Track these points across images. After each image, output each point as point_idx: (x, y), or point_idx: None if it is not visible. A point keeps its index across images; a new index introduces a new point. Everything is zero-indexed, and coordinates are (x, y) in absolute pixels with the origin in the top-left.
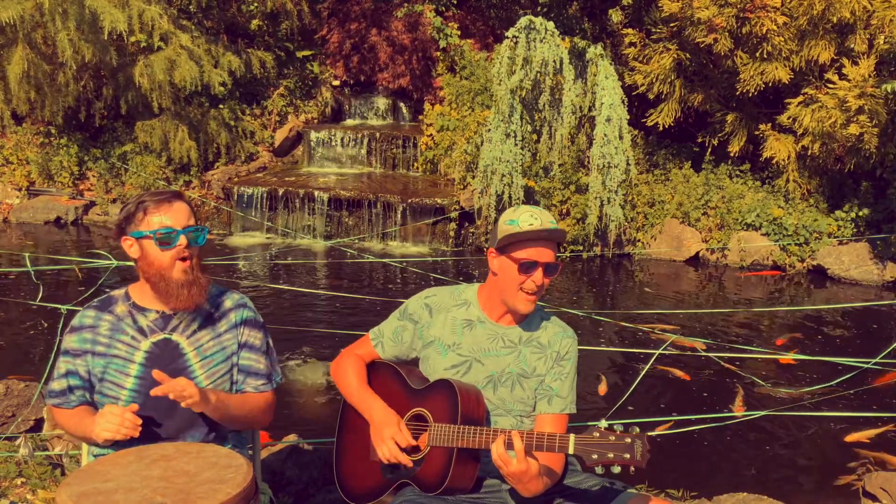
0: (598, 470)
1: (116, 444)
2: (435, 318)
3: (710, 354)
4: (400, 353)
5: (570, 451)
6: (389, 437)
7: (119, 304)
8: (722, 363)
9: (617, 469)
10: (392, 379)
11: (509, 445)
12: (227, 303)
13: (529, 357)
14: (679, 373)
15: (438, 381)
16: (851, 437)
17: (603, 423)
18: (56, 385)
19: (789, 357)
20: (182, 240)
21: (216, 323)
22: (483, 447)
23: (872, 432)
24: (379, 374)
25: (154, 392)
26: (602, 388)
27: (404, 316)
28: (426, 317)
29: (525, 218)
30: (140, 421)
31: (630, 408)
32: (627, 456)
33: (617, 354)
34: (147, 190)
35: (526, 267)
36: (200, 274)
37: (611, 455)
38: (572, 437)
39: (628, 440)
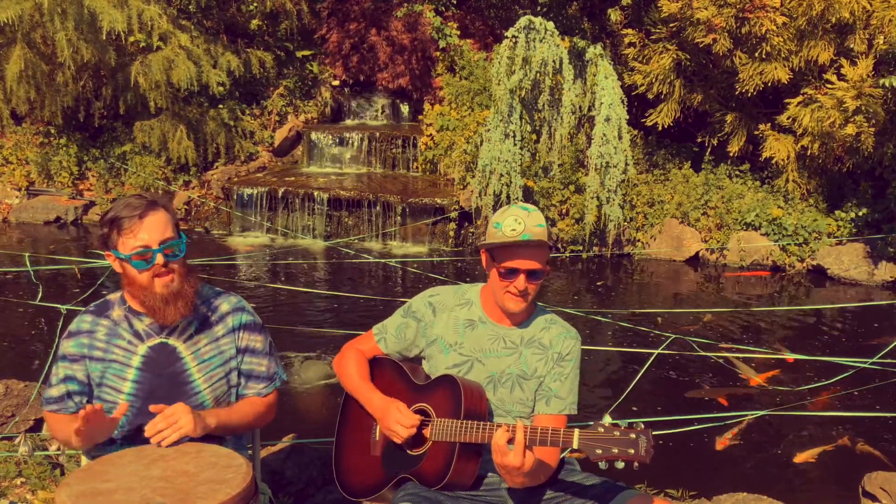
0: (602, 465)
1: (116, 444)
2: (438, 317)
3: (710, 354)
4: (402, 349)
5: (575, 445)
6: (394, 423)
7: (115, 309)
8: (722, 363)
9: (620, 465)
10: (395, 374)
11: (512, 441)
12: (224, 306)
13: (530, 358)
14: (722, 399)
15: (441, 376)
16: (800, 458)
17: (607, 419)
18: (54, 391)
19: (761, 378)
20: (159, 258)
21: (213, 327)
22: (485, 442)
23: (816, 451)
24: (382, 369)
25: (147, 432)
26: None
27: (408, 314)
28: (429, 315)
29: (509, 223)
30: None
31: (634, 408)
32: (632, 451)
33: (617, 354)
34: (129, 197)
35: (506, 274)
36: (186, 283)
37: (615, 450)
38: (577, 431)
39: (632, 435)
